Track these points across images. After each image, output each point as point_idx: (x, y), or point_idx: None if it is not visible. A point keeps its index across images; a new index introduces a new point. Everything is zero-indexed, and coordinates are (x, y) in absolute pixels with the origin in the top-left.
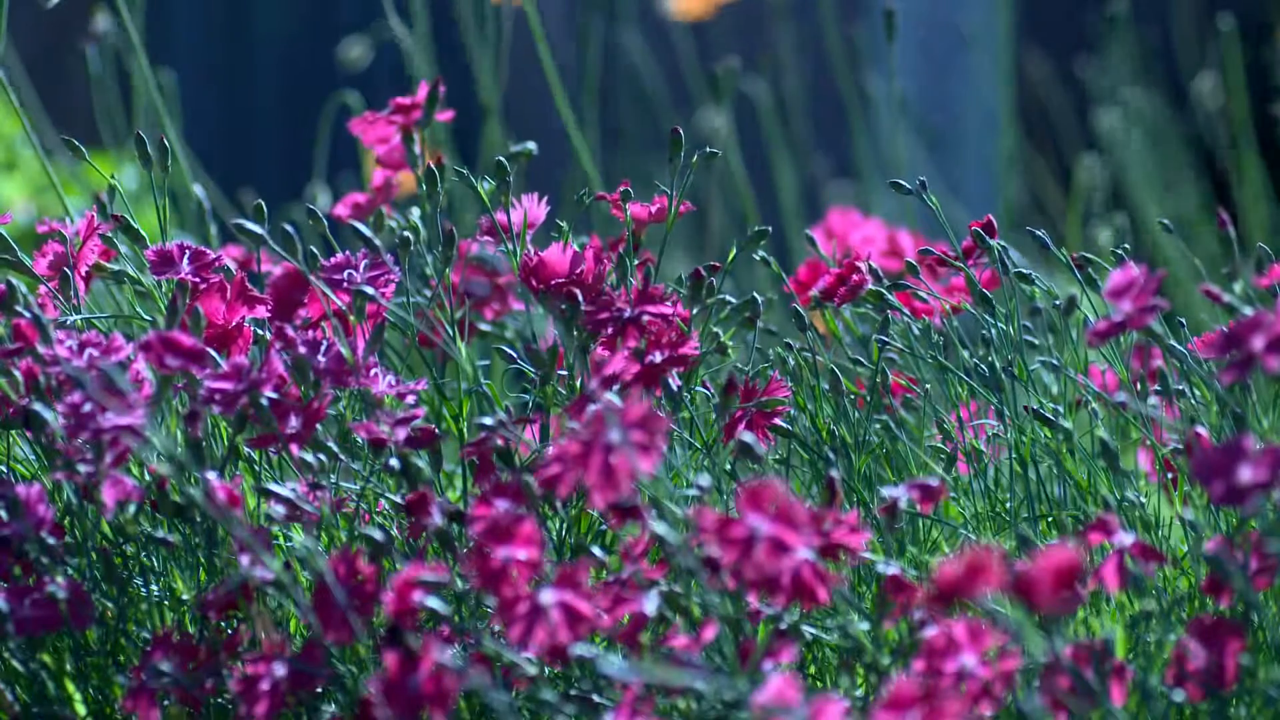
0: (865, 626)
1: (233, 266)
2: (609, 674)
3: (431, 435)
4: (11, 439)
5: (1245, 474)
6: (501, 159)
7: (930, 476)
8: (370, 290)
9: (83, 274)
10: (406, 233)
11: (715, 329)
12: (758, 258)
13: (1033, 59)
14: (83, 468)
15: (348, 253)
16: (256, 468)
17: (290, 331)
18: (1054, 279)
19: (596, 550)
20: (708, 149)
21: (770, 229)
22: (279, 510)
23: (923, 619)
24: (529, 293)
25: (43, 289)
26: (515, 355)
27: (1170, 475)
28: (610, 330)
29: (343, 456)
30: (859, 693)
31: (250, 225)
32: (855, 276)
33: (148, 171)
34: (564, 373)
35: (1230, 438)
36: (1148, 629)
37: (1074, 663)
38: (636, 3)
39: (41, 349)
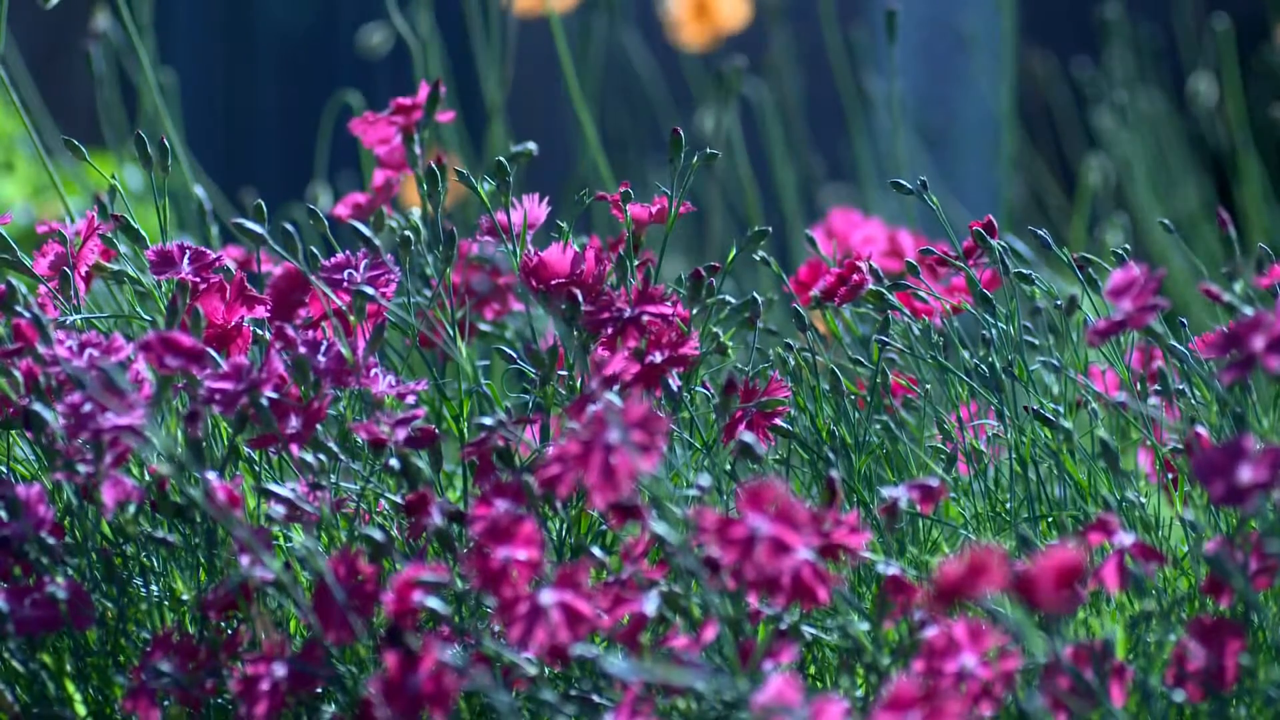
0: (865, 627)
1: (233, 266)
2: (609, 674)
3: (431, 435)
4: (11, 439)
5: (1245, 474)
6: (502, 159)
7: (930, 477)
8: (370, 290)
9: (83, 274)
10: (407, 233)
11: (715, 329)
12: (758, 258)
13: (1034, 58)
14: (83, 468)
15: (348, 253)
16: (256, 468)
17: (290, 331)
18: (1056, 279)
19: (596, 550)
20: (708, 150)
21: (770, 229)
22: (279, 510)
23: (923, 619)
24: (529, 293)
25: (43, 289)
26: (515, 355)
27: (1170, 475)
28: (610, 330)
29: (343, 457)
30: (859, 693)
31: (250, 225)
32: (856, 276)
33: (148, 171)
34: (564, 373)
35: (1230, 438)
36: (1148, 629)
37: (1074, 663)
38: (636, 3)
39: (41, 349)
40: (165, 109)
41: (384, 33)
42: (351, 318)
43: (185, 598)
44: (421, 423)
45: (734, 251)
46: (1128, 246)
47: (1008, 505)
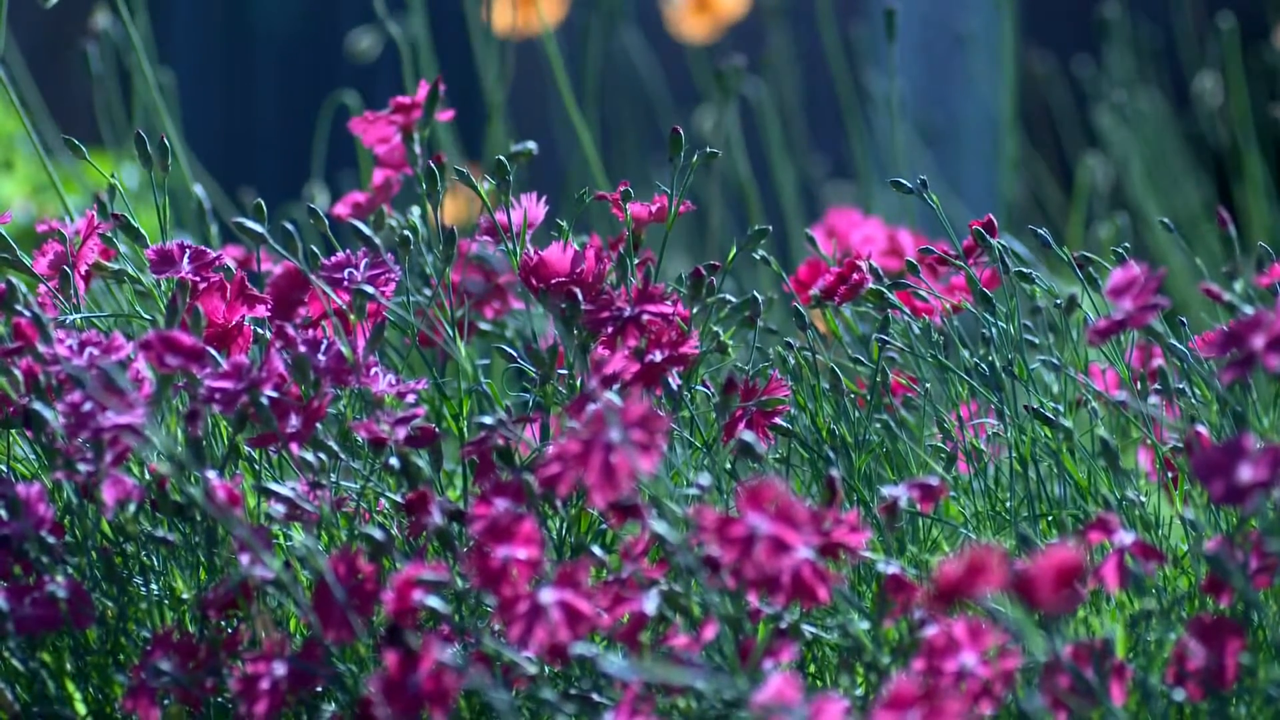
0: (865, 625)
1: (233, 265)
2: (609, 673)
3: (431, 434)
4: (11, 438)
5: (1245, 473)
6: (501, 158)
7: (930, 476)
8: (370, 289)
9: (82, 273)
10: (406, 232)
11: (715, 328)
12: (758, 257)
13: (1034, 58)
14: (83, 467)
15: (348, 251)
16: (256, 467)
17: (290, 330)
18: (1055, 278)
19: (596, 549)
20: (708, 148)
21: (770, 228)
22: (279, 509)
23: (923, 618)
24: (529, 292)
25: (42, 288)
26: (515, 354)
27: (1170, 474)
28: (610, 329)
29: (343, 455)
30: (859, 692)
31: (250, 224)
32: (855, 275)
33: (147, 170)
34: (564, 372)
35: (1230, 436)
36: (1148, 628)
37: (1074, 662)
38: (636, 2)
39: (41, 348)
40: (164, 107)
41: (374, 36)
42: (351, 317)
43: (185, 597)
44: (421, 421)
45: (734, 250)
46: (1128, 245)
47: (1008, 504)
